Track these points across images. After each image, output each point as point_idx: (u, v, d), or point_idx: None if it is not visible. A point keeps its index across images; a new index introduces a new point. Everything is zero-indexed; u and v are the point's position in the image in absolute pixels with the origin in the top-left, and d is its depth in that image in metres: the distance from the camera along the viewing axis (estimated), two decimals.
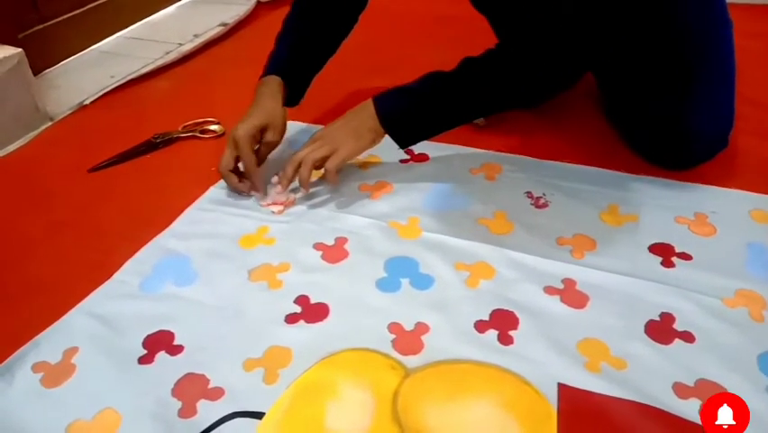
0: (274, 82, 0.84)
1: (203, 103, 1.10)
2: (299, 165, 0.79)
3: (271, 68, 0.86)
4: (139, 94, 1.17)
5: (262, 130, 0.81)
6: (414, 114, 0.79)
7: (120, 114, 1.10)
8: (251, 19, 1.47)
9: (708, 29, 0.83)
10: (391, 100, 0.79)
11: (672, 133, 0.82)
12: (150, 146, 0.97)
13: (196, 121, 1.02)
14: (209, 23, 1.45)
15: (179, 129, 1.01)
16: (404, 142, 0.81)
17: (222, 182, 0.86)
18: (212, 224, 0.79)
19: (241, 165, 0.83)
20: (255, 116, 0.81)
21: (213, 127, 1.01)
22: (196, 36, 1.40)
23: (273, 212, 0.80)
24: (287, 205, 0.81)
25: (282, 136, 0.84)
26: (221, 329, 0.64)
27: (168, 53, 1.32)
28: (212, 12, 1.53)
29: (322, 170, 0.80)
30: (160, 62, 1.26)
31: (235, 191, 0.83)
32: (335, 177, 0.79)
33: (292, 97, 0.88)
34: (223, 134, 0.99)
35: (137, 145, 0.97)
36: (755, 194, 0.80)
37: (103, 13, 1.39)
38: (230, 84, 1.17)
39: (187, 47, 1.33)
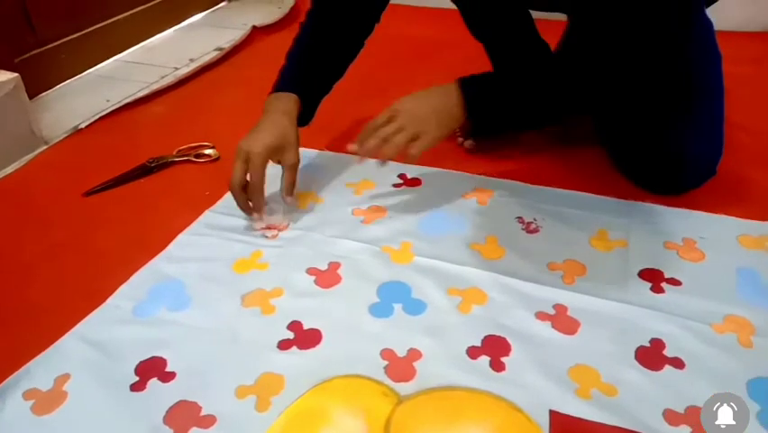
0: (290, 99, 0.82)
1: (198, 127, 1.11)
2: (382, 142, 0.74)
3: (285, 83, 0.85)
4: (134, 118, 1.18)
5: (277, 149, 0.79)
6: (500, 107, 0.76)
7: (115, 138, 1.10)
8: (247, 43, 1.49)
9: (701, 58, 0.85)
10: (480, 90, 0.75)
11: (662, 159, 0.83)
12: (144, 170, 0.98)
13: (191, 145, 1.03)
14: (205, 48, 1.46)
15: (174, 153, 1.02)
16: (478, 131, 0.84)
17: (216, 206, 0.87)
18: (206, 248, 0.79)
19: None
20: (269, 133, 0.79)
21: (208, 151, 1.01)
22: (191, 60, 1.41)
23: (266, 236, 0.81)
24: (281, 229, 0.81)
25: (299, 156, 0.82)
26: (213, 356, 0.64)
27: (163, 77, 1.33)
28: (208, 36, 1.55)
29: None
30: (155, 86, 1.27)
31: (243, 210, 0.81)
32: (416, 160, 0.76)
33: (304, 116, 0.86)
34: (218, 159, 1.00)
35: (132, 169, 0.97)
36: (743, 219, 0.81)
37: (99, 37, 1.41)
38: (225, 108, 1.18)
39: (183, 71, 1.34)
